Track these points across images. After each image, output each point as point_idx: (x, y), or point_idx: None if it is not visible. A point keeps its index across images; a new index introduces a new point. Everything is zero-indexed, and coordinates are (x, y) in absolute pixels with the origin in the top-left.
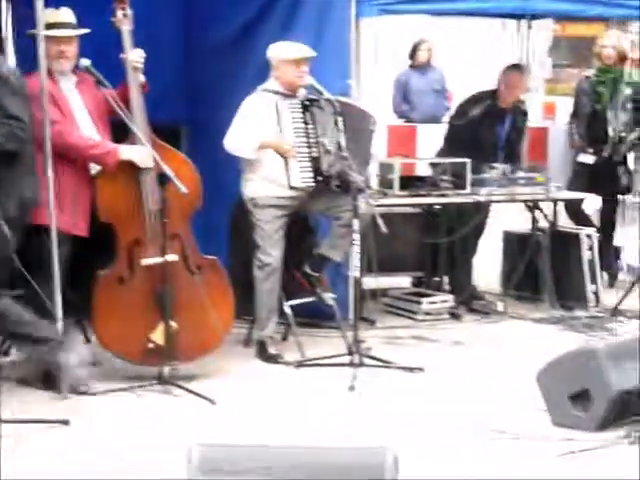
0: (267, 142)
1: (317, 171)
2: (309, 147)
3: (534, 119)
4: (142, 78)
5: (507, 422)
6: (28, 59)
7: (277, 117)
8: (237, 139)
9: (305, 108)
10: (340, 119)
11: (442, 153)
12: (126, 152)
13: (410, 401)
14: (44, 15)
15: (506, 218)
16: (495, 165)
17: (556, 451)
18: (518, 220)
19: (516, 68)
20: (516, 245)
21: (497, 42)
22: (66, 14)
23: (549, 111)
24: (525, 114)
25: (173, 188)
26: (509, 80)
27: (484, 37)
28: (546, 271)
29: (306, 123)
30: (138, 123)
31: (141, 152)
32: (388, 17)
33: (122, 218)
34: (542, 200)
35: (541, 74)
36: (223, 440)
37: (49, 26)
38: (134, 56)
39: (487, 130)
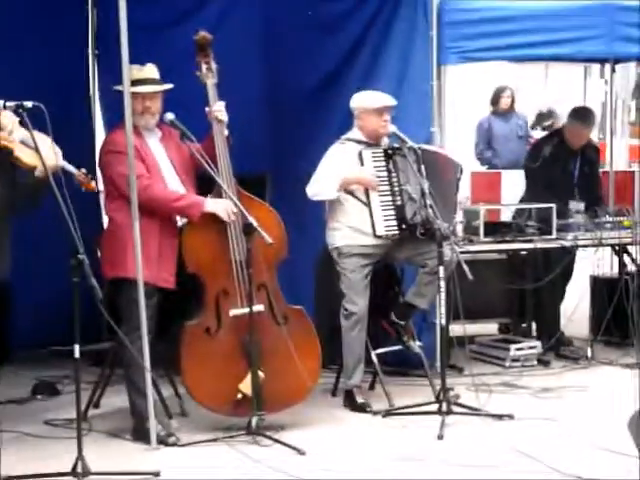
0: (347, 177)
1: (401, 219)
2: (393, 195)
3: (620, 163)
4: (226, 131)
5: (598, 470)
6: (115, 114)
7: (360, 166)
8: (318, 184)
9: (388, 156)
10: (423, 167)
11: (524, 198)
12: (211, 205)
13: (499, 449)
14: (129, 71)
15: (593, 262)
16: (571, 203)
17: None
18: (605, 264)
19: (578, 119)
20: (604, 290)
21: (580, 87)
22: (150, 70)
23: (634, 155)
24: (596, 148)
25: (259, 238)
26: (571, 130)
27: (567, 82)
28: (635, 315)
29: (389, 171)
30: (223, 175)
31: (226, 206)
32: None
33: (208, 269)
34: (630, 244)
35: (625, 117)
36: None
37: (134, 82)
38: (218, 109)
39: (560, 168)
